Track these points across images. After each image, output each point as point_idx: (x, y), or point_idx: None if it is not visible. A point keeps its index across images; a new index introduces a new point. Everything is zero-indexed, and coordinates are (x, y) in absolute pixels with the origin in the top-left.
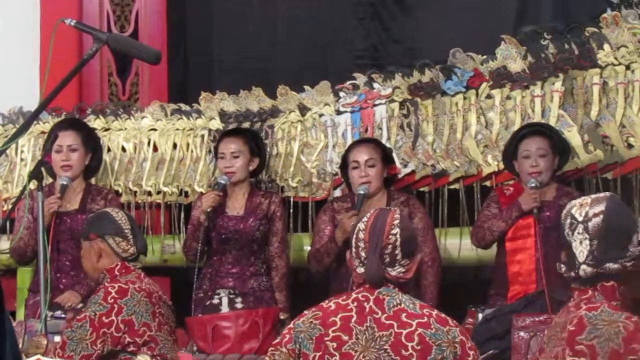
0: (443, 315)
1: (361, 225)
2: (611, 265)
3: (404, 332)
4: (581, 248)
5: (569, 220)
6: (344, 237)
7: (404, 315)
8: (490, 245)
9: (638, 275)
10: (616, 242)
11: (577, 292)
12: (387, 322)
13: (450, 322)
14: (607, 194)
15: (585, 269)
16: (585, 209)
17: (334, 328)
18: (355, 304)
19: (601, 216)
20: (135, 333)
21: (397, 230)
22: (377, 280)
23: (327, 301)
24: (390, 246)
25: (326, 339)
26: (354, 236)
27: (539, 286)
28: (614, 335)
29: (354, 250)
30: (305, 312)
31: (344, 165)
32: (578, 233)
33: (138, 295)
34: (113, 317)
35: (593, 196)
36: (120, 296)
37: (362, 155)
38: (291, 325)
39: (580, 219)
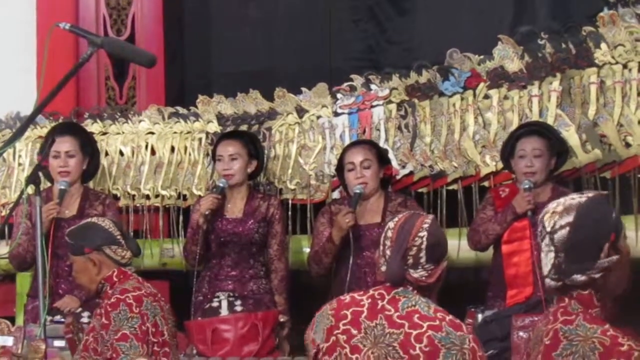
0: (458, 321)
1: (390, 224)
2: (578, 277)
3: (414, 332)
4: (546, 260)
5: (540, 228)
6: (340, 236)
7: (416, 316)
8: (486, 248)
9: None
10: (583, 254)
11: (556, 297)
12: (399, 321)
13: (463, 329)
14: (583, 199)
15: (549, 282)
16: (554, 219)
17: (344, 321)
18: (370, 300)
19: (567, 228)
20: (160, 334)
21: (424, 233)
22: (396, 279)
23: (346, 294)
24: (415, 248)
25: (336, 331)
26: (383, 234)
27: (536, 288)
28: (589, 352)
29: (380, 248)
30: (328, 304)
31: (340, 168)
32: (545, 244)
33: (149, 299)
34: (147, 324)
35: (567, 203)
36: (139, 304)
37: (357, 157)
38: (315, 316)
39: (548, 229)
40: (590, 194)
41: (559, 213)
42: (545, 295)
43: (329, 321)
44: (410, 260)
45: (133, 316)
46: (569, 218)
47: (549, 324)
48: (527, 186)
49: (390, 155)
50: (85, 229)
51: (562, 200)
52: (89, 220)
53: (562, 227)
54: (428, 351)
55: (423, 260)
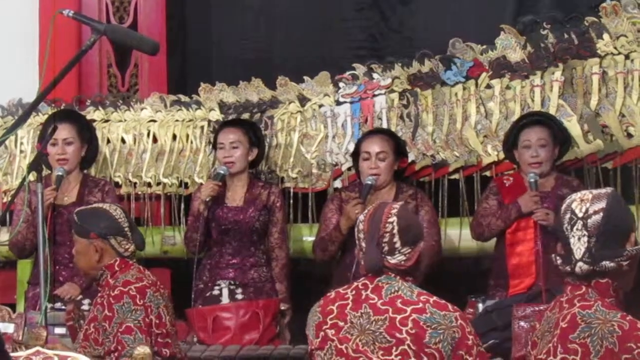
0: (443, 301)
1: (361, 217)
2: (607, 264)
3: (398, 317)
4: (579, 245)
5: (568, 215)
6: (348, 226)
7: (399, 301)
8: (489, 239)
9: (630, 272)
10: (614, 240)
11: (570, 286)
12: (383, 307)
13: (449, 308)
14: (608, 190)
15: (581, 266)
16: (586, 205)
17: (331, 316)
18: (354, 292)
19: (601, 214)
20: (164, 325)
21: (394, 218)
22: (375, 268)
23: (331, 291)
24: (387, 234)
25: (324, 326)
26: (356, 229)
27: (537, 279)
28: (608, 334)
29: (357, 242)
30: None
31: (356, 153)
32: (577, 229)
33: (151, 290)
34: (151, 316)
35: (594, 192)
36: (143, 296)
37: (374, 147)
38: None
39: (580, 215)
40: (609, 188)
41: (590, 200)
42: (546, 285)
43: (317, 317)
44: (386, 247)
45: (137, 309)
46: (602, 204)
47: (563, 310)
48: (533, 180)
49: (406, 146)
50: (95, 214)
51: (583, 191)
52: (101, 205)
53: (595, 212)
54: (414, 333)
55: (398, 245)
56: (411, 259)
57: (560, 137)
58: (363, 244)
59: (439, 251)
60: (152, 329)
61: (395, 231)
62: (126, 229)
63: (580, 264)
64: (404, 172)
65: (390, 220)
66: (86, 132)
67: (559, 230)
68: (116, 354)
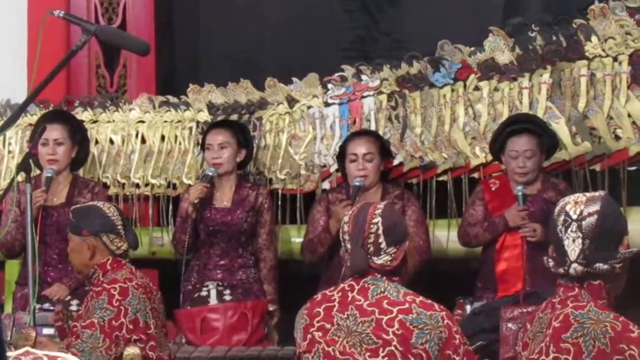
0: (429, 301)
1: (345, 219)
2: (601, 266)
3: (385, 318)
4: (573, 246)
5: (562, 217)
6: (337, 227)
7: (385, 302)
8: (476, 247)
9: (622, 275)
10: (608, 242)
11: (562, 288)
12: (369, 309)
13: (435, 307)
14: (602, 193)
15: (576, 268)
16: (580, 207)
17: (318, 318)
18: (340, 294)
19: (596, 216)
20: (142, 330)
21: (378, 219)
22: (361, 270)
23: (319, 293)
24: (372, 235)
25: (311, 329)
26: (341, 231)
27: (525, 283)
28: (600, 335)
29: (342, 244)
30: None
31: (341, 155)
32: (571, 231)
33: (137, 292)
34: (122, 319)
35: (588, 195)
36: (123, 297)
37: (360, 149)
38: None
39: (574, 217)
40: (602, 192)
41: (584, 202)
42: (532, 288)
43: (304, 320)
44: (371, 248)
45: (108, 308)
46: (596, 207)
47: (556, 310)
48: (520, 193)
49: (390, 146)
50: (88, 212)
51: (576, 194)
52: (95, 203)
53: (590, 214)
54: (400, 334)
55: (384, 245)
56: (397, 259)
57: (548, 143)
58: (348, 246)
59: (427, 250)
60: (122, 332)
61: (380, 232)
62: (119, 227)
63: (574, 265)
64: (389, 173)
65: (375, 220)
66: (78, 134)
67: (551, 233)
68: (68, 343)
